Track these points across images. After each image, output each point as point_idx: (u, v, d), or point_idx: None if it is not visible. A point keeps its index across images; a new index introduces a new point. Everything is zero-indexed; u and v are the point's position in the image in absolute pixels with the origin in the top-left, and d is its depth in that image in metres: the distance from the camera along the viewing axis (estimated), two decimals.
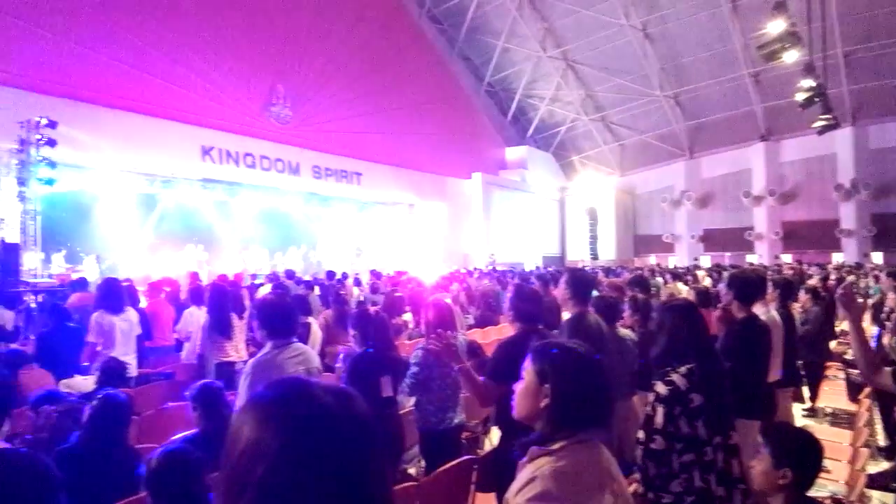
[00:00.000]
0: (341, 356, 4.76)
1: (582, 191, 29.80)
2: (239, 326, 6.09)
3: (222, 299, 6.03)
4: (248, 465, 0.75)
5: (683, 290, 11.24)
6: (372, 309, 4.89)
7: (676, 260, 26.94)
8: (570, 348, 1.80)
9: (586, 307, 3.93)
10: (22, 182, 11.55)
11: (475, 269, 19.47)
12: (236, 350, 5.94)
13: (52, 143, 11.45)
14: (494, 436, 5.26)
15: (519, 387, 1.82)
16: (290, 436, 0.76)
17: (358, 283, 13.52)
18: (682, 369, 2.66)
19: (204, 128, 15.88)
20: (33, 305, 10.28)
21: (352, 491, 0.76)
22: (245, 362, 5.84)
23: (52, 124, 11.40)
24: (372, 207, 22.86)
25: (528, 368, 1.79)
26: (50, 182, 11.40)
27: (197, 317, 6.54)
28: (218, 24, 16.14)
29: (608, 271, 16.53)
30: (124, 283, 7.03)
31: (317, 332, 5.89)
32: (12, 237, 11.73)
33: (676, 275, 15.09)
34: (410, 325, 8.56)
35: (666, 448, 2.57)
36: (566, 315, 5.29)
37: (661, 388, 2.66)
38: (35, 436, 3.21)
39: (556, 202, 30.43)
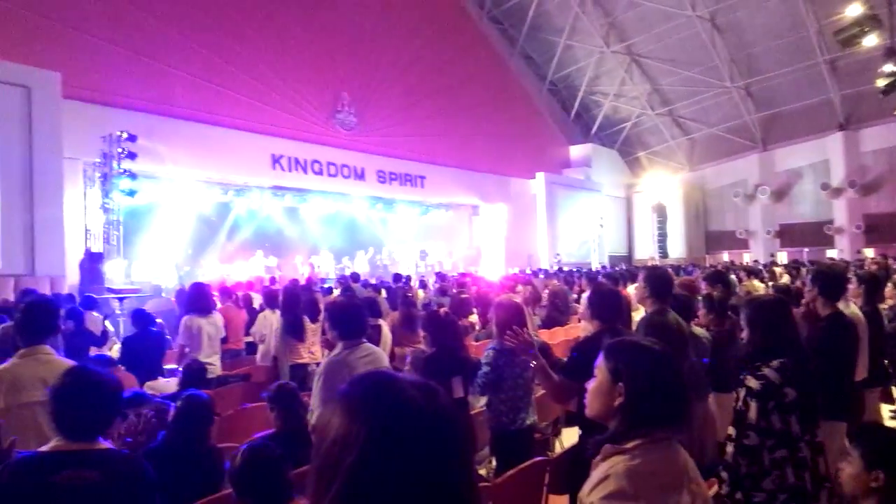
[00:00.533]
0: (409, 358, 4.81)
1: (649, 187, 29.09)
2: (312, 329, 6.24)
3: (295, 302, 6.19)
4: (337, 455, 0.79)
5: (760, 288, 10.82)
6: (441, 310, 4.92)
7: (751, 257, 25.93)
8: (644, 345, 1.78)
9: (665, 305, 3.85)
10: (105, 193, 12.19)
11: (540, 269, 19.31)
12: (309, 352, 6.09)
13: (132, 155, 12.04)
14: (566, 437, 5.21)
15: (591, 385, 1.80)
16: (377, 426, 0.79)
17: (423, 285, 13.64)
18: (774, 363, 2.60)
19: (274, 137, 16.39)
20: (118, 311, 10.82)
21: (438, 478, 0.79)
22: (318, 364, 6.02)
23: (132, 138, 11.99)
24: (436, 210, 23.02)
25: (600, 366, 1.77)
26: (131, 193, 11.98)
27: (270, 320, 6.73)
28: (286, 37, 16.62)
29: (678, 269, 16.10)
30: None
31: (387, 334, 5.98)
32: (97, 246, 12.41)
33: (752, 272, 14.54)
34: (477, 327, 8.57)
35: (758, 444, 2.51)
36: (638, 314, 5.21)
37: (752, 382, 2.60)
38: (134, 439, 3.38)
39: (623, 200, 29.84)
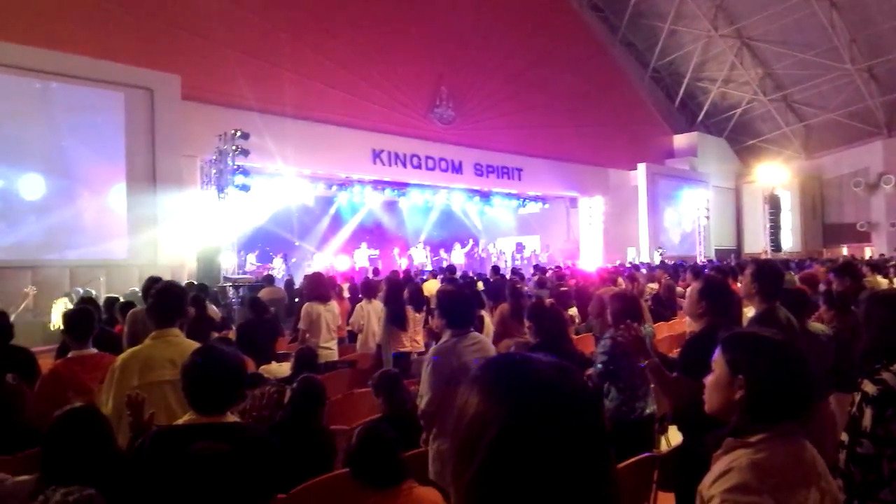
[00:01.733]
0: (513, 349, 4.81)
1: (761, 177, 27.53)
2: (414, 319, 6.37)
3: (398, 292, 6.34)
4: (478, 432, 0.81)
5: (883, 284, 10.03)
6: (548, 301, 4.89)
7: (873, 251, 24.05)
8: (764, 336, 1.71)
9: (774, 303, 3.63)
10: (220, 189, 12.90)
11: (641, 262, 18.76)
12: (412, 341, 6.22)
13: (245, 152, 12.66)
14: (672, 434, 5.05)
15: (709, 379, 1.75)
16: (515, 403, 0.81)
17: (522, 277, 13.56)
18: (895, 367, 2.38)
19: (374, 132, 16.79)
20: (234, 299, 11.46)
21: (575, 451, 0.80)
22: (420, 353, 6.14)
23: (245, 136, 12.61)
24: (533, 202, 22.84)
25: (718, 360, 1.72)
26: (244, 188, 12.59)
27: (367, 310, 6.94)
28: (386, 34, 16.95)
29: (787, 263, 15.17)
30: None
31: (489, 325, 6.02)
32: (213, 239, 13.17)
33: (875, 266, 13.48)
34: (577, 320, 8.45)
35: (875, 453, 2.32)
36: (749, 311, 4.95)
37: (869, 386, 2.39)
38: (259, 413, 3.59)
39: (731, 190, 28.43)
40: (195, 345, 3.22)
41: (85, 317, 3.95)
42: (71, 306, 6.90)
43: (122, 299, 7.12)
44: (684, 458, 3.12)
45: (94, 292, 10.07)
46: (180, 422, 2.27)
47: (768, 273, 3.67)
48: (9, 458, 3.11)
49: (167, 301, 3.20)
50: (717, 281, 3.27)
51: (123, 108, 12.31)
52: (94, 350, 3.89)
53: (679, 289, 10.38)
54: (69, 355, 3.92)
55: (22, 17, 11.40)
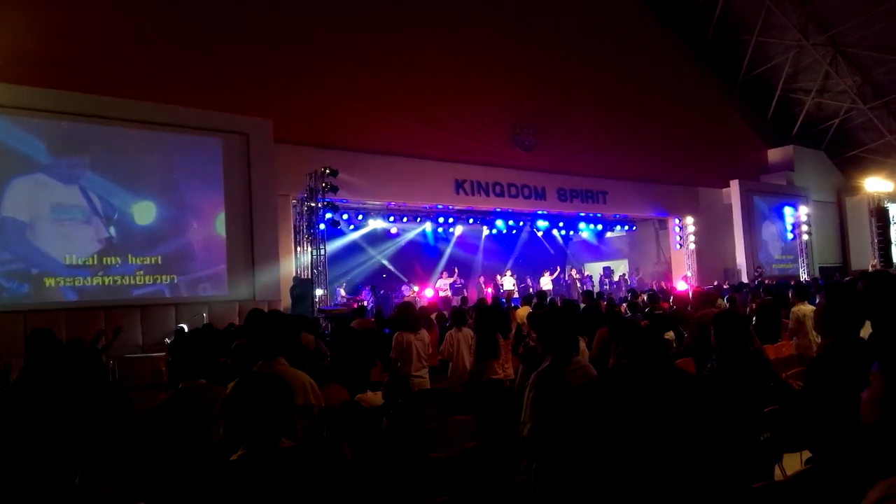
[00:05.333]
0: None
1: (866, 189, 25.84)
2: (503, 346, 6.33)
3: (488, 320, 6.33)
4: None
5: None
6: (642, 323, 4.75)
7: None
8: None
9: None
10: (312, 224, 13.38)
11: (740, 282, 17.92)
12: (503, 368, 6.18)
13: (334, 189, 13.11)
14: (787, 464, 4.74)
15: (866, 394, 1.66)
16: None
17: (614, 301, 13.25)
18: None
19: (457, 162, 17.00)
20: (327, 330, 11.76)
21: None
22: (511, 380, 6.08)
23: (334, 172, 13.06)
24: (619, 225, 22.38)
25: (876, 373, 1.65)
26: (334, 223, 13.02)
27: (457, 338, 6.93)
28: (464, 63, 17.24)
29: None
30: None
31: (584, 349, 5.91)
32: (306, 273, 13.65)
33: None
34: (674, 344, 8.15)
35: None
36: (865, 331, 4.61)
37: None
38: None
39: (833, 204, 26.81)
40: (300, 373, 3.32)
41: (194, 349, 4.14)
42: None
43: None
44: (817, 485, 2.91)
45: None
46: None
47: (884, 282, 3.43)
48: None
49: (274, 330, 3.31)
50: (840, 296, 3.05)
51: (221, 153, 13.05)
52: (203, 381, 4.06)
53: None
54: (179, 387, 4.11)
55: (130, 74, 12.39)
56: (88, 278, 11.51)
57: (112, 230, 11.75)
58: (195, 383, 4.06)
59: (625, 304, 12.10)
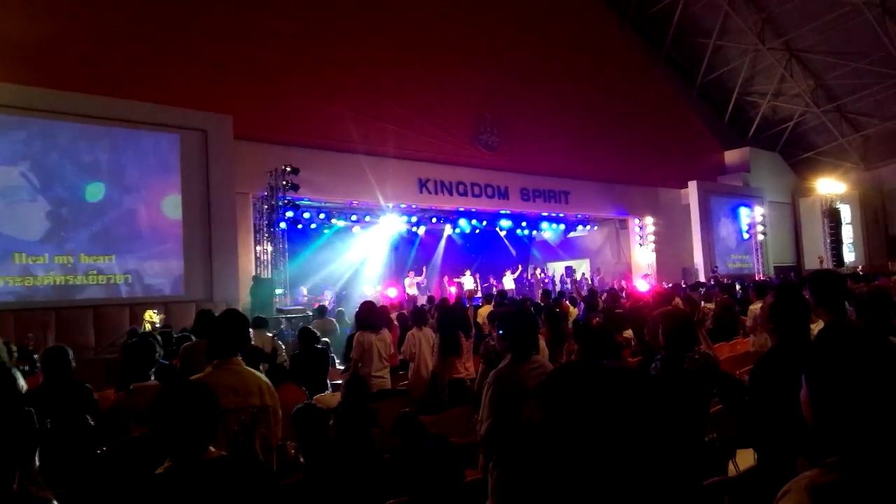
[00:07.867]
0: None
1: (818, 190, 26.61)
2: (465, 345, 6.31)
3: (450, 320, 6.30)
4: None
5: None
6: (594, 321, 4.78)
7: None
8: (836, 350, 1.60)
9: (840, 314, 3.41)
10: (273, 223, 13.18)
11: (697, 282, 18.24)
12: (465, 367, 6.16)
13: (295, 187, 12.93)
14: (741, 459, 4.82)
15: (803, 394, 1.65)
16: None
17: (573, 301, 13.35)
18: None
19: (420, 161, 16.94)
20: (286, 330, 11.60)
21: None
22: (472, 380, 6.07)
23: (295, 170, 12.88)
24: (581, 225, 22.59)
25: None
26: (295, 222, 12.85)
27: (418, 338, 6.89)
28: (429, 63, 17.20)
29: (857, 277, 14.51)
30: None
31: (543, 348, 5.92)
32: (265, 272, 13.44)
33: None
34: (633, 342, 8.23)
35: None
36: (816, 326, 4.71)
37: None
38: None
39: (787, 205, 27.54)
40: (256, 373, 3.23)
41: (145, 350, 4.04)
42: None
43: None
44: (762, 483, 2.94)
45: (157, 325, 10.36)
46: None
47: (828, 281, 3.46)
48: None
49: (230, 329, 3.20)
50: (790, 293, 3.03)
51: (178, 149, 12.73)
52: (154, 382, 3.96)
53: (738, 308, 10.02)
54: (131, 387, 4.00)
55: (84, 69, 12.01)
56: (39, 277, 11.12)
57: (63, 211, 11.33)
58: (146, 384, 3.97)
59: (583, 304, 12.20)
